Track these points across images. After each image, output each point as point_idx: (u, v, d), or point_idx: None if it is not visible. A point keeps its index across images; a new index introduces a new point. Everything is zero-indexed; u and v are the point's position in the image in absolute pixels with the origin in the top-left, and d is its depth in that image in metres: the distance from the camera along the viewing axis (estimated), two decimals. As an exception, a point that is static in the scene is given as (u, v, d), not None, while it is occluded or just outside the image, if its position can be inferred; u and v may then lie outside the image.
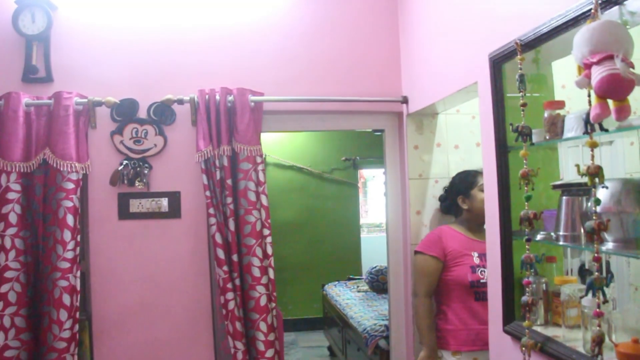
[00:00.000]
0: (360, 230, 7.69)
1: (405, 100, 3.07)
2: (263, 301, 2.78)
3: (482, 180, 2.79)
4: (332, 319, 5.68)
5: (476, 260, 2.73)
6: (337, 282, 6.32)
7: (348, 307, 5.02)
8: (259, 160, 2.84)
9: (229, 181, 2.77)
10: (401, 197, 3.21)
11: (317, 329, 6.67)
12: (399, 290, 3.20)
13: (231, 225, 2.76)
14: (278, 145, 6.94)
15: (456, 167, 3.08)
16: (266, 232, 2.83)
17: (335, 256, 7.06)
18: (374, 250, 7.65)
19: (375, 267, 5.73)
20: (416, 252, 2.87)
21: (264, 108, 2.93)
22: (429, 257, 2.78)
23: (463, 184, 2.86)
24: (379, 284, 5.60)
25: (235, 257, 2.76)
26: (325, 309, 6.19)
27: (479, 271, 2.69)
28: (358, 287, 5.95)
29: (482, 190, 2.77)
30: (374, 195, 9.85)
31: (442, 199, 3.05)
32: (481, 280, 2.67)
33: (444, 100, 2.70)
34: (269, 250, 2.83)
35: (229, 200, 2.76)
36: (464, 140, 3.16)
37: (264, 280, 2.80)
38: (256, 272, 2.77)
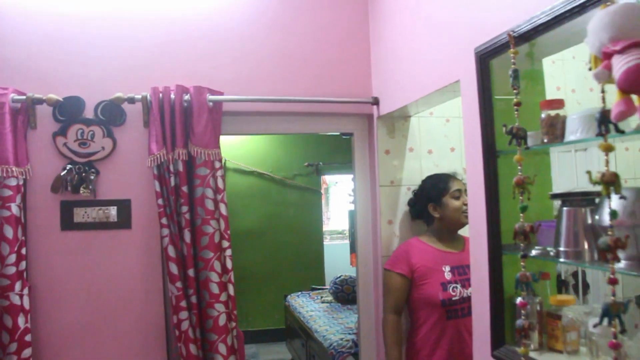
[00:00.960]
0: (323, 237, 7.48)
1: (376, 102, 2.86)
2: (222, 320, 2.52)
3: (454, 186, 2.62)
4: (294, 331, 5.44)
5: (447, 276, 2.54)
6: (300, 293, 6.09)
7: (312, 320, 4.79)
8: (217, 165, 2.59)
9: (184, 188, 2.50)
10: (371, 206, 3.01)
11: (279, 340, 6.41)
12: (369, 305, 2.98)
13: (186, 236, 2.49)
14: (238, 150, 6.68)
15: (429, 173, 2.89)
16: (225, 244, 2.58)
17: (297, 265, 6.83)
18: (337, 258, 7.49)
19: (339, 276, 5.53)
20: (384, 269, 2.70)
21: (223, 108, 2.68)
22: (395, 275, 2.60)
23: (434, 191, 2.66)
24: (343, 294, 5.40)
25: (191, 272, 2.49)
26: (287, 321, 5.94)
27: (451, 288, 2.51)
28: (322, 297, 5.73)
29: (454, 197, 2.60)
30: (337, 202, 9.67)
31: (411, 203, 2.86)
32: (453, 298, 2.49)
33: (417, 102, 2.50)
34: (229, 264, 2.58)
35: (185, 209, 2.50)
36: (437, 144, 2.98)
37: (223, 297, 2.54)
38: (214, 289, 2.51)
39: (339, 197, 9.54)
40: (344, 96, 2.86)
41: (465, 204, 2.52)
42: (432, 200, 2.66)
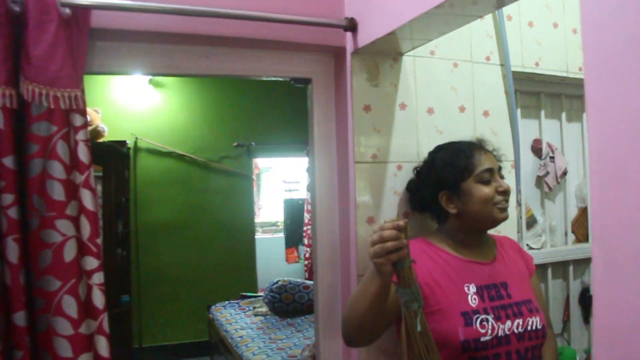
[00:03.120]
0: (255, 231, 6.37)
1: (351, 26, 1.75)
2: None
3: (483, 164, 1.58)
4: (220, 350, 4.31)
5: (472, 301, 1.51)
6: (227, 303, 4.92)
7: (243, 343, 3.66)
8: (77, 121, 1.43)
9: (6, 160, 1.34)
10: (339, 193, 1.94)
11: (203, 354, 5.28)
12: (333, 336, 1.91)
13: (11, 251, 1.33)
14: (150, 125, 5.45)
15: (429, 143, 1.85)
16: (92, 263, 1.43)
17: (224, 266, 5.67)
18: (270, 254, 6.46)
19: (276, 282, 4.43)
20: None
21: (92, 24, 1.52)
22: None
23: (449, 172, 1.62)
24: (282, 305, 4.31)
25: (19, 320, 1.33)
26: (212, 337, 4.80)
27: (479, 321, 1.47)
28: (255, 308, 4.61)
29: (483, 182, 1.56)
30: (270, 190, 8.60)
31: (412, 188, 1.81)
32: (482, 339, 1.45)
33: (412, 26, 1.47)
34: (99, 302, 1.43)
35: (8, 199, 1.34)
36: (441, 101, 1.94)
37: None
38: (64, 350, 1.35)
39: (273, 184, 8.48)
40: (301, 15, 1.75)
41: (502, 191, 1.57)
42: (445, 186, 1.61)
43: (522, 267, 1.70)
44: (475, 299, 1.51)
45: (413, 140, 1.87)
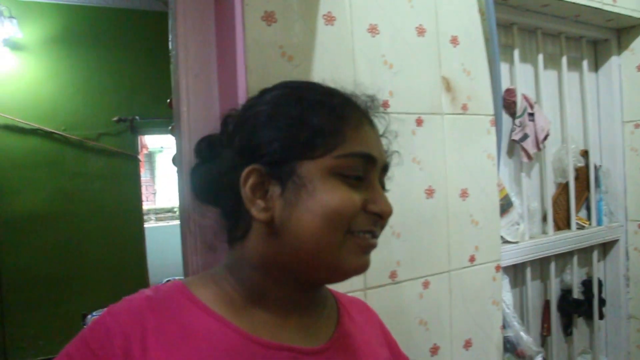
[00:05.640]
0: (146, 219, 5.54)
1: None
2: None
3: (362, 141, 0.78)
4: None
5: None
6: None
7: None
8: None
9: None
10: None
11: (83, 370, 4.41)
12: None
13: None
14: (9, 97, 4.49)
15: (373, 81, 1.22)
16: None
17: (106, 263, 4.81)
18: (166, 246, 5.60)
19: (168, 281, 3.66)
20: None
21: None
22: None
23: (281, 130, 0.77)
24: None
25: None
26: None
27: None
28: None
29: (345, 177, 0.76)
30: (165, 172, 7.77)
31: (205, 153, 0.89)
32: None
33: None
34: None
35: None
36: (389, 17, 1.32)
37: None
38: None
39: (168, 166, 7.63)
40: None
41: (377, 212, 0.77)
42: (260, 157, 0.77)
43: (388, 357, 0.95)
44: None
45: (347, 73, 1.22)
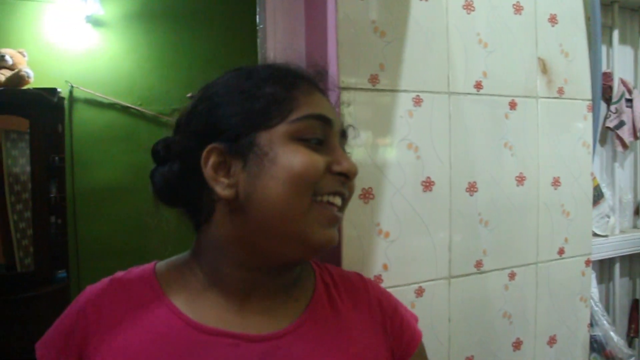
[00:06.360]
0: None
1: None
2: None
3: (313, 105, 0.77)
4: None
5: None
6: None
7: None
8: None
9: None
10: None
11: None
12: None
13: None
14: (89, 71, 4.59)
15: (467, 62, 1.15)
16: None
17: (177, 234, 4.90)
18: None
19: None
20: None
21: None
22: None
23: (236, 105, 0.78)
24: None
25: None
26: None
27: None
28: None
29: (304, 140, 0.76)
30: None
31: (160, 146, 0.91)
32: None
33: None
34: None
35: None
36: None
37: None
38: None
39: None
40: None
41: (341, 172, 0.77)
42: (219, 134, 0.77)
43: (375, 344, 0.86)
44: None
45: (440, 51, 1.16)
